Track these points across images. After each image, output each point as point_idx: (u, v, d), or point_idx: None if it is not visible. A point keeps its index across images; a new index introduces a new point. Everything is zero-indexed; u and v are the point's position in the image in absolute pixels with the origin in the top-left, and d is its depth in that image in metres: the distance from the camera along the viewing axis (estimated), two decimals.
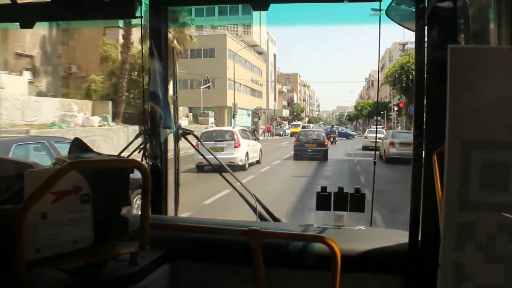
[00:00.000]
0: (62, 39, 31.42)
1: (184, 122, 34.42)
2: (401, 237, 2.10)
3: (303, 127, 75.13)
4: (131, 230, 1.75)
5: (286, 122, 76.63)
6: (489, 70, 1.19)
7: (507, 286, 1.23)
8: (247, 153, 20.41)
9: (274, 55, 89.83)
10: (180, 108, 31.23)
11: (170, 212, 2.95)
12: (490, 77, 1.18)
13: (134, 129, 24.97)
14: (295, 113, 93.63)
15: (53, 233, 1.44)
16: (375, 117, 67.04)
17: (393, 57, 68.98)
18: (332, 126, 55.93)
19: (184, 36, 35.17)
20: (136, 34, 28.96)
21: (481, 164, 1.19)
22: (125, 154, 2.72)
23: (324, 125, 60.48)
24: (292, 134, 63.93)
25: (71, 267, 1.61)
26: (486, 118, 1.18)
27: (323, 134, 26.88)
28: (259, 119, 58.29)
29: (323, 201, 2.33)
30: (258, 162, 22.16)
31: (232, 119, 47.75)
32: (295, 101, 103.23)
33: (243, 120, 58.48)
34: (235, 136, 20.03)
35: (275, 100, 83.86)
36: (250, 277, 1.92)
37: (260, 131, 59.38)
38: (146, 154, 2.73)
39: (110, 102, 29.45)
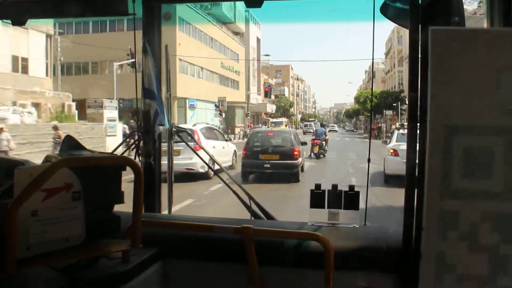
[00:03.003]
0: None
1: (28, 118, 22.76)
2: (395, 234, 2.09)
3: (305, 125, 58.35)
4: (123, 228, 1.74)
5: (271, 119, 58.35)
6: (471, 53, 1.16)
7: (491, 277, 1.21)
8: (212, 157, 15.05)
9: (258, 39, 69.86)
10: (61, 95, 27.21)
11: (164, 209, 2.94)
12: (473, 59, 1.16)
13: None
14: (282, 109, 77.16)
15: (43, 231, 1.43)
16: (384, 111, 48.69)
17: (402, 36, 54.69)
18: (322, 125, 31.26)
19: None
20: None
21: (463, 150, 1.16)
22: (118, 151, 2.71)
23: (322, 125, 38.58)
24: None
25: (62, 265, 1.59)
26: (468, 102, 1.16)
27: (292, 137, 16.13)
28: (220, 114, 41.77)
29: (317, 199, 2.33)
30: (231, 167, 17.08)
31: (190, 114, 37.63)
32: (286, 96, 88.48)
33: (207, 116, 42.21)
34: (196, 136, 14.86)
35: (259, 93, 65.04)
36: (243, 275, 1.92)
37: (238, 130, 47.27)
38: (140, 151, 2.72)
39: None
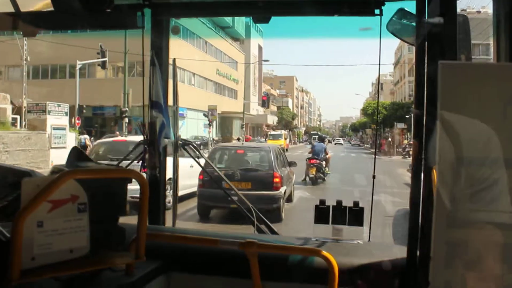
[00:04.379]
0: None
1: None
2: (399, 252, 2.08)
3: (313, 138, 47.32)
4: (127, 240, 1.74)
5: (272, 131, 54.70)
6: (479, 86, 1.18)
7: None
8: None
9: (260, 47, 66.92)
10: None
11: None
12: (481, 93, 1.18)
13: None
14: (284, 120, 71.79)
15: (48, 242, 1.44)
16: (396, 124, 44.79)
17: None
18: (321, 139, 21.25)
19: None
20: None
21: (471, 180, 1.17)
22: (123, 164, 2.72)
23: (322, 139, 22.48)
24: None
25: (66, 276, 1.60)
26: (476, 134, 1.17)
27: (271, 156, 11.21)
28: (210, 124, 36.46)
29: (322, 214, 2.33)
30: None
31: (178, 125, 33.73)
32: (290, 107, 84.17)
33: (198, 126, 39.20)
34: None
35: (260, 103, 59.94)
36: None
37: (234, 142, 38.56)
38: (145, 164, 2.73)
39: None
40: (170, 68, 3.00)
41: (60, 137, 19.50)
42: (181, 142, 3.00)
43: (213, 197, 9.70)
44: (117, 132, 25.17)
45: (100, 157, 11.57)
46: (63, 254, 1.48)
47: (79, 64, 28.38)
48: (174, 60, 2.94)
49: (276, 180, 10.57)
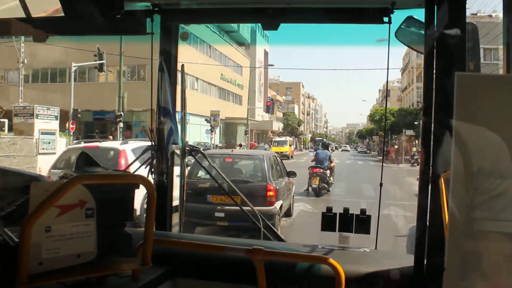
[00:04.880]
0: None
1: None
2: (406, 260, 2.07)
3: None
4: (134, 246, 1.74)
5: (277, 138, 53.46)
6: (496, 98, 1.18)
7: None
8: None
9: (265, 53, 65.72)
10: None
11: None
12: (497, 105, 1.17)
13: None
14: (289, 127, 69.64)
15: (56, 247, 1.44)
16: (404, 131, 42.60)
17: None
18: (325, 146, 18.78)
19: None
20: None
21: (487, 192, 1.17)
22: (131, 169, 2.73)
23: (325, 145, 19.03)
24: None
25: (73, 281, 1.60)
26: (492, 146, 1.17)
27: (265, 165, 9.55)
28: (212, 130, 36.20)
29: (328, 221, 2.32)
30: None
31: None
32: (296, 114, 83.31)
33: (201, 132, 37.85)
34: (121, 160, 10.00)
35: (265, 109, 56.79)
36: None
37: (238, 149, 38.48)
38: (153, 169, 2.73)
39: None
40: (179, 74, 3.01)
41: (49, 142, 18.24)
42: (188, 148, 3.00)
43: (194, 213, 8.28)
44: (110, 137, 24.48)
45: (71, 165, 9.49)
46: (70, 259, 1.49)
47: (74, 66, 27.62)
48: (182, 66, 2.95)
49: (270, 193, 8.93)
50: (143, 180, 1.63)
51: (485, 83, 1.21)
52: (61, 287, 1.56)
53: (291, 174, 11.15)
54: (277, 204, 9.09)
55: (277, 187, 9.38)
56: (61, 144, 18.73)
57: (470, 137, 1.17)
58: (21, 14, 2.58)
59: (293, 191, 11.70)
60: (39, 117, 18.63)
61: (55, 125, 19.23)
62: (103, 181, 1.60)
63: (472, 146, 1.17)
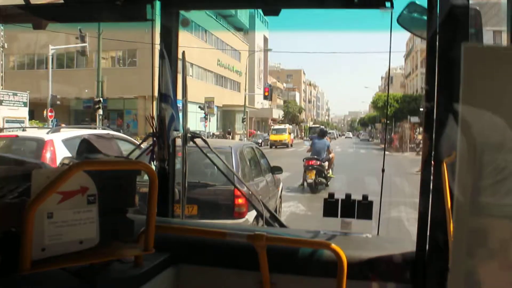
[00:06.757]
0: None
1: None
2: (408, 245, 2.08)
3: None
4: (136, 232, 1.75)
5: (276, 125, 51.62)
6: (505, 71, 1.15)
7: None
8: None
9: (265, 38, 64.17)
10: None
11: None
12: (503, 76, 1.14)
13: None
14: (290, 114, 68.89)
15: (58, 233, 1.45)
16: (409, 118, 40.23)
17: None
18: (323, 133, 14.74)
19: None
20: None
21: (494, 168, 1.15)
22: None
23: (323, 133, 14.82)
24: (272, 145, 42.03)
25: (76, 268, 1.61)
26: (501, 121, 1.14)
27: (233, 162, 6.78)
28: (206, 117, 34.64)
29: (330, 207, 2.32)
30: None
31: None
32: (297, 101, 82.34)
33: (196, 120, 35.11)
34: (47, 152, 7.25)
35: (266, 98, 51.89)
36: (255, 282, 1.92)
37: (237, 137, 39.52)
38: (154, 156, 2.73)
39: None
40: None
41: (16, 131, 15.23)
42: (190, 135, 3.00)
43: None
44: (93, 124, 22.17)
45: None
46: (73, 245, 1.49)
47: (52, 49, 25.46)
48: (183, 53, 2.93)
49: (239, 201, 6.37)
50: (145, 167, 1.63)
51: (495, 55, 1.17)
52: (64, 273, 1.57)
53: (276, 170, 9.10)
54: (249, 216, 6.39)
55: (250, 191, 6.01)
56: (33, 134, 16.69)
57: (476, 110, 1.14)
58: (20, 1, 2.56)
59: (280, 190, 9.51)
60: (3, 104, 16.64)
61: (23, 112, 17.23)
62: (104, 167, 1.60)
63: (478, 120, 1.15)
